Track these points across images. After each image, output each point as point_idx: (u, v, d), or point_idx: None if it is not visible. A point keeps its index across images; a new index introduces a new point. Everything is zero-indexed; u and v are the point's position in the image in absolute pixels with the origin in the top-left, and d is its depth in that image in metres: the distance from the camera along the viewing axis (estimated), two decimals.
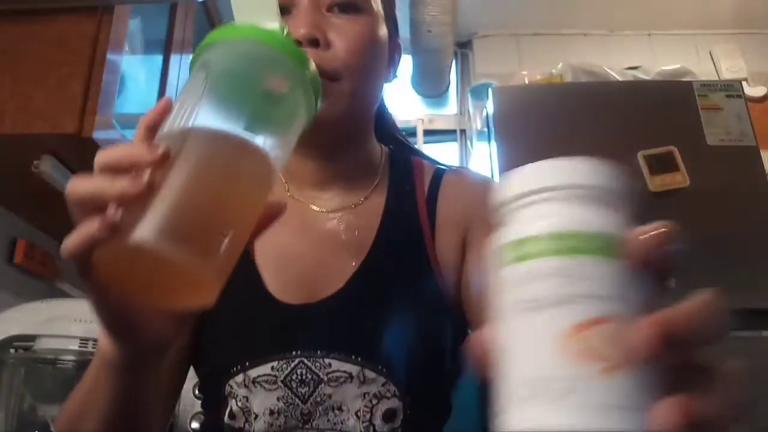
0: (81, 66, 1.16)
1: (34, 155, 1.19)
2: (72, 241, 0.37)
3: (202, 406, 0.72)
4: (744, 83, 1.99)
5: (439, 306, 0.65)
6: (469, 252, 0.66)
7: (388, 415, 0.60)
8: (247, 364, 0.61)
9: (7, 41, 1.18)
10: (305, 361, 0.60)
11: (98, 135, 1.10)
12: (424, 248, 0.66)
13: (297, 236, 0.67)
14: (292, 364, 0.60)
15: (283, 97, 0.41)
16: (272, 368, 0.60)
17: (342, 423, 0.60)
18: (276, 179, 0.41)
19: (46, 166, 1.20)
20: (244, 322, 0.64)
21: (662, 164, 1.56)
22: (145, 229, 0.32)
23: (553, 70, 2.07)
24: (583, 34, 2.72)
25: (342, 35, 0.61)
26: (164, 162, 0.34)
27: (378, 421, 0.60)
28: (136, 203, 0.33)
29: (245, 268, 0.65)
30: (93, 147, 1.12)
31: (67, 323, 1.06)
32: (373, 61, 0.65)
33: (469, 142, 2.56)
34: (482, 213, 0.67)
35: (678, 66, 2.16)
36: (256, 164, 0.38)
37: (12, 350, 1.07)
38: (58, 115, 1.12)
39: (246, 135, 0.37)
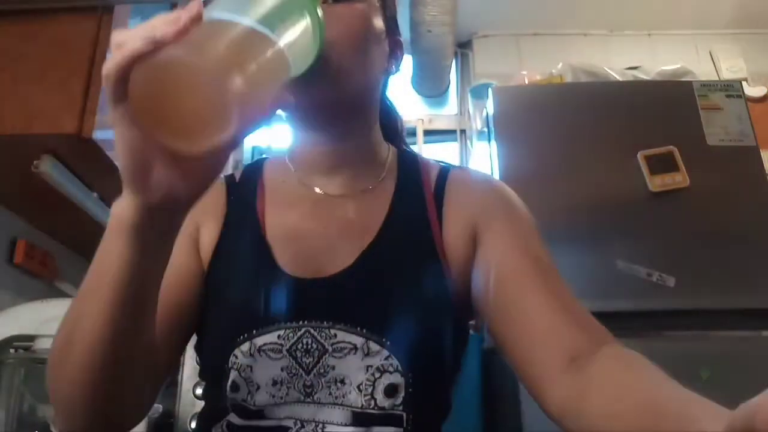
0: (81, 66, 1.16)
1: (34, 155, 1.19)
2: (113, 58, 0.39)
3: (203, 393, 0.72)
4: (744, 83, 1.99)
5: (443, 294, 0.66)
6: (480, 246, 0.67)
7: (390, 390, 0.61)
8: (254, 332, 0.62)
9: (7, 41, 1.18)
10: (311, 330, 0.61)
11: (98, 135, 1.11)
12: (432, 238, 0.68)
13: (306, 218, 0.70)
14: (299, 333, 0.61)
15: (297, 14, 0.50)
16: (278, 336, 0.62)
17: (344, 396, 0.61)
18: (287, 73, 0.47)
19: (46, 166, 1.20)
20: (253, 292, 0.65)
21: (662, 164, 1.56)
22: (184, 46, 0.38)
23: (553, 70, 2.07)
24: (583, 34, 2.72)
25: (336, 20, 0.63)
26: (199, 17, 0.39)
27: (380, 396, 0.61)
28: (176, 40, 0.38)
29: (256, 243, 0.68)
30: (93, 147, 1.12)
31: None
32: (366, 44, 0.67)
33: (469, 142, 2.56)
34: (491, 209, 0.69)
35: (678, 66, 2.15)
36: (272, 46, 0.44)
37: (12, 350, 1.08)
38: (58, 115, 1.12)
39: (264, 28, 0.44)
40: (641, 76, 2.15)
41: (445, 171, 0.74)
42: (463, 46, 2.76)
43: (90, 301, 0.50)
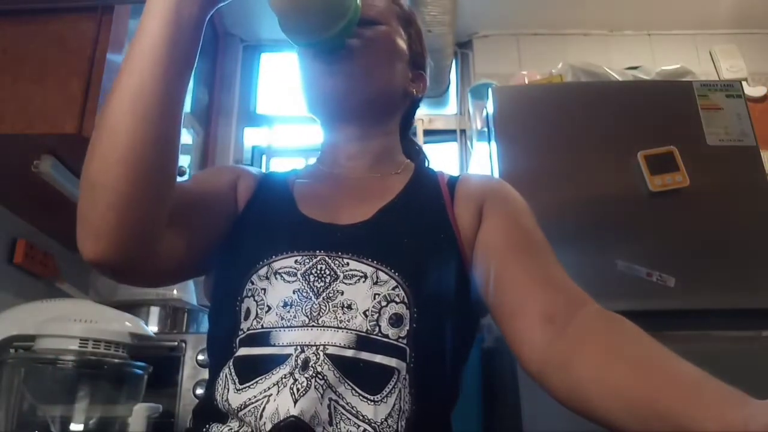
0: (81, 66, 1.16)
1: (34, 155, 1.19)
2: None
3: (209, 340, 0.73)
4: (744, 83, 1.99)
5: (454, 255, 0.70)
6: (484, 221, 0.73)
7: (395, 320, 0.63)
8: (273, 257, 0.68)
9: (7, 41, 1.18)
10: (326, 258, 0.67)
11: None
12: (444, 208, 0.75)
13: (330, 188, 0.79)
14: (314, 260, 0.67)
15: None
16: (296, 261, 0.67)
17: (348, 321, 0.63)
18: None
19: (46, 166, 1.20)
20: (276, 227, 0.73)
21: (662, 164, 1.56)
22: None
23: (553, 70, 2.07)
24: (583, 34, 2.72)
25: (363, 35, 0.77)
26: None
27: (384, 323, 0.63)
28: None
29: (283, 197, 0.77)
30: None
31: (67, 323, 1.06)
32: (389, 55, 0.80)
33: (469, 142, 2.56)
34: (493, 193, 0.77)
35: (678, 66, 2.15)
36: None
37: (12, 350, 1.07)
38: (58, 115, 1.12)
39: None
40: (641, 76, 2.15)
41: (455, 176, 0.82)
42: (463, 46, 2.76)
43: (130, 59, 0.58)
